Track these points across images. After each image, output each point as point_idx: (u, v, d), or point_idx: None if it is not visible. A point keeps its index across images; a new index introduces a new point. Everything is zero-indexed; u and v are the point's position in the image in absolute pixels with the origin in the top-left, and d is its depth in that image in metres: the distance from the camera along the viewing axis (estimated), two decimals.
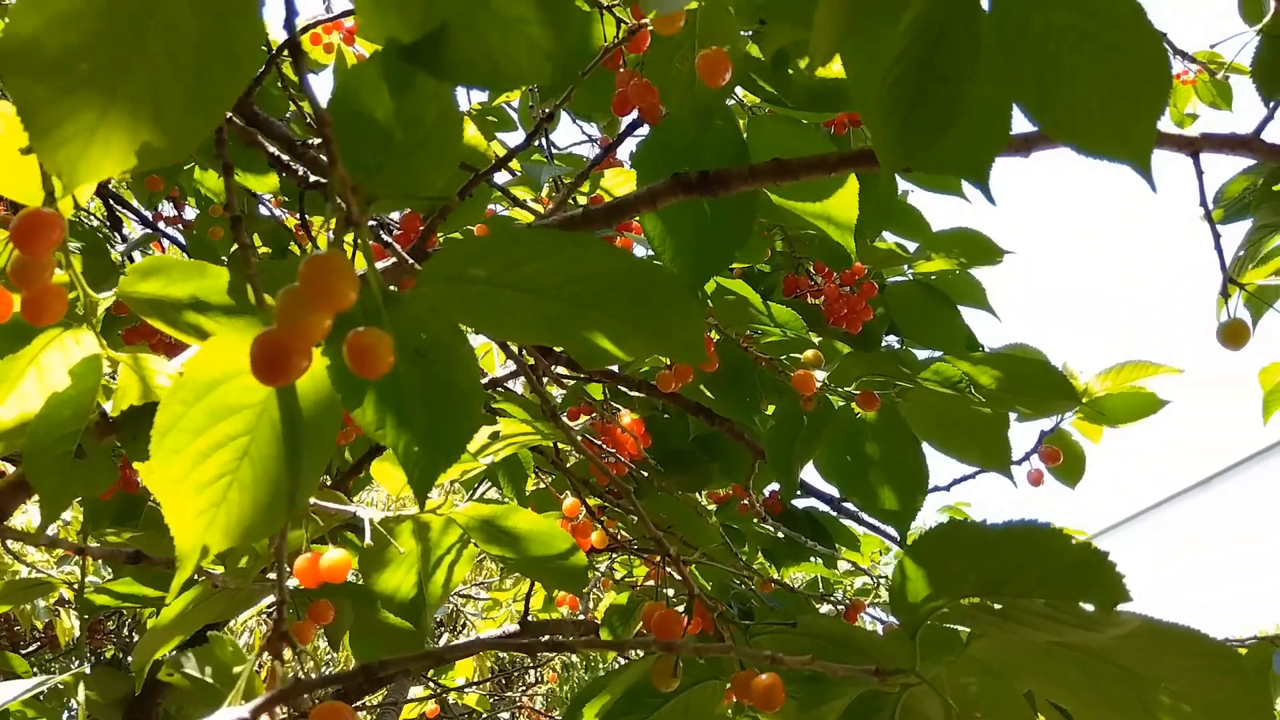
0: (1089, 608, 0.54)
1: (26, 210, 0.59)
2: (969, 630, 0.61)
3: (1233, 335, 0.86)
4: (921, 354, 1.96)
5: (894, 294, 1.84)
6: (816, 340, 1.29)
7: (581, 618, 2.54)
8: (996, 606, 0.58)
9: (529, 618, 2.24)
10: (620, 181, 1.33)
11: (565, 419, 1.65)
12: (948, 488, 1.50)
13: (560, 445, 1.60)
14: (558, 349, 1.42)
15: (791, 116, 1.07)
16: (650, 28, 0.82)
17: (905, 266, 1.82)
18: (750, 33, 0.88)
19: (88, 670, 1.19)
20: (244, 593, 1.09)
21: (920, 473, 1.23)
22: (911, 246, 1.81)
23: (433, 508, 0.98)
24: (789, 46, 0.91)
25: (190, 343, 0.76)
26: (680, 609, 0.89)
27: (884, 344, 1.93)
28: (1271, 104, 0.87)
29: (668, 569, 0.90)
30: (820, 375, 1.14)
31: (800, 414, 1.20)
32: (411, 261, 0.76)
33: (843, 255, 1.50)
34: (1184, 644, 0.57)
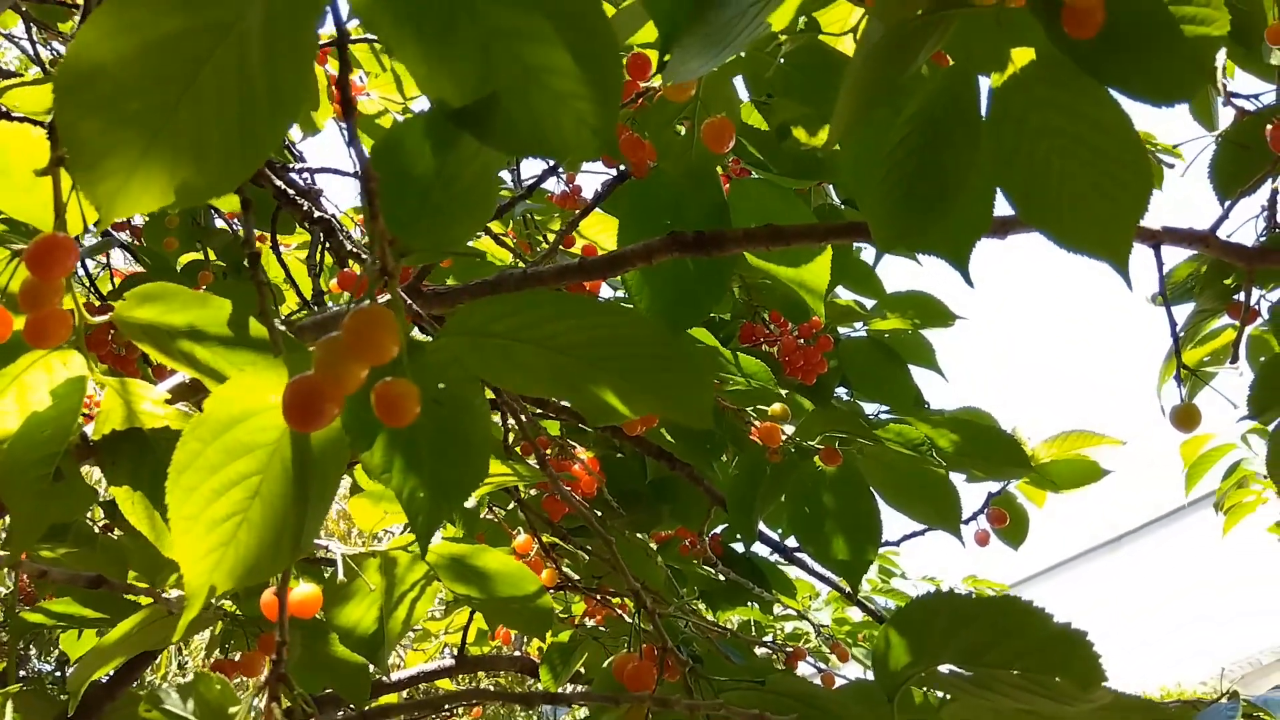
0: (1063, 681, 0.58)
1: (42, 235, 0.58)
2: (945, 696, 0.64)
3: (1185, 419, 0.92)
4: (869, 407, 2.02)
5: (848, 349, 1.89)
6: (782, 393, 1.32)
7: (518, 653, 2.52)
8: (973, 674, 0.61)
9: (464, 651, 2.21)
10: (599, 229, 1.35)
11: (518, 452, 1.65)
12: (897, 543, 1.54)
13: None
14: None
15: (773, 181, 1.10)
16: (660, 92, 0.85)
17: (860, 323, 1.88)
18: (754, 102, 0.92)
19: (15, 689, 1.15)
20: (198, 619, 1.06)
21: (874, 526, 1.27)
22: (869, 303, 1.87)
23: (402, 544, 0.98)
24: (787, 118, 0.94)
25: (180, 370, 0.75)
26: (642, 656, 0.90)
27: (834, 396, 1.98)
28: (1227, 203, 0.94)
29: (641, 621, 0.91)
30: (788, 429, 1.17)
31: (764, 465, 1.23)
32: (411, 312, 0.77)
33: (801, 308, 1.55)
34: (1148, 715, 0.60)
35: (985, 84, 0.67)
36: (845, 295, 1.90)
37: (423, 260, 0.64)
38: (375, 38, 1.02)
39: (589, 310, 0.56)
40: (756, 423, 1.22)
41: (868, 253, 1.98)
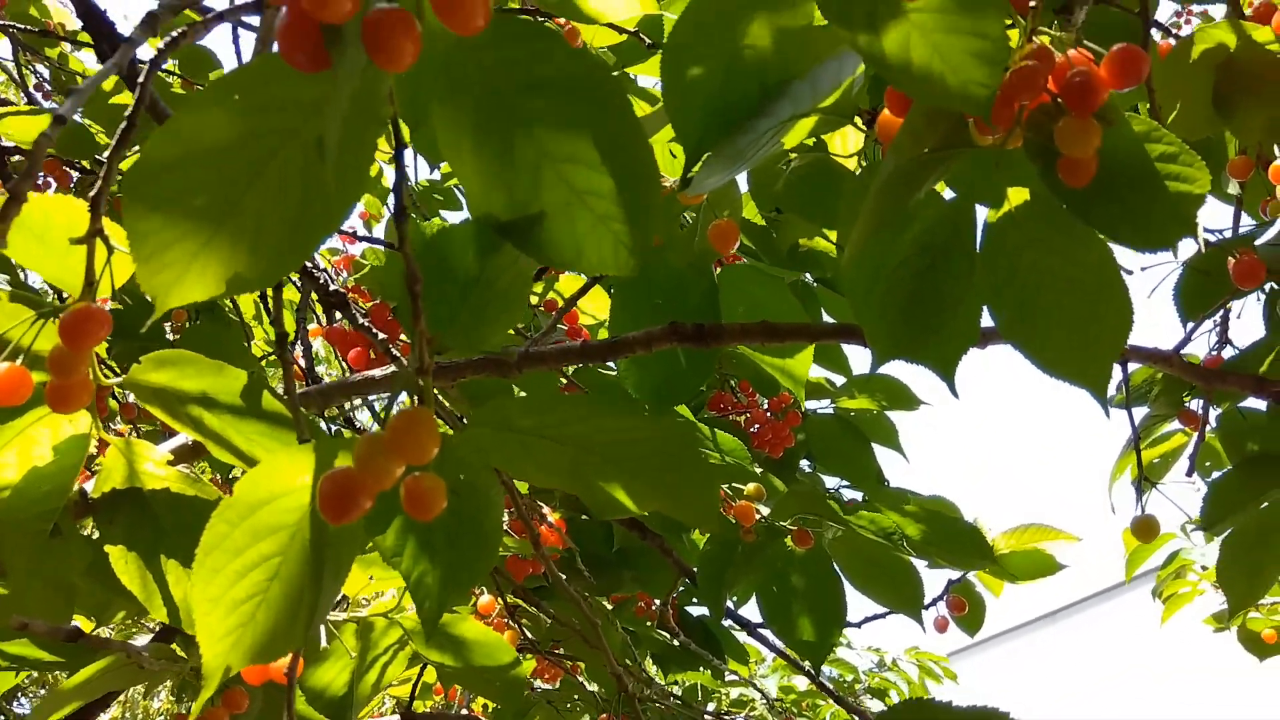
0: None
1: (77, 306, 0.60)
2: None
3: (1144, 531, 0.97)
4: (830, 481, 2.07)
5: (815, 424, 1.94)
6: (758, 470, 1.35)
7: (465, 711, 2.48)
8: None
9: (411, 708, 2.18)
10: (589, 301, 1.39)
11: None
12: (859, 624, 1.57)
13: None
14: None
15: (762, 269, 1.15)
16: (670, 190, 0.89)
17: (828, 400, 1.93)
18: (761, 213, 0.96)
19: None
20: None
21: (840, 608, 1.30)
22: (838, 380, 1.92)
23: (382, 610, 0.99)
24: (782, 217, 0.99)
25: (186, 434, 0.76)
26: None
27: (798, 469, 2.02)
28: (1190, 326, 1.00)
29: (621, 710, 0.93)
30: (763, 510, 1.20)
31: (736, 542, 1.26)
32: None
33: (770, 381, 1.59)
34: None
35: (981, 215, 0.72)
36: (816, 372, 1.95)
37: (455, 357, 0.67)
38: None
39: (610, 412, 0.58)
40: (732, 501, 1.25)
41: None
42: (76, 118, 2.01)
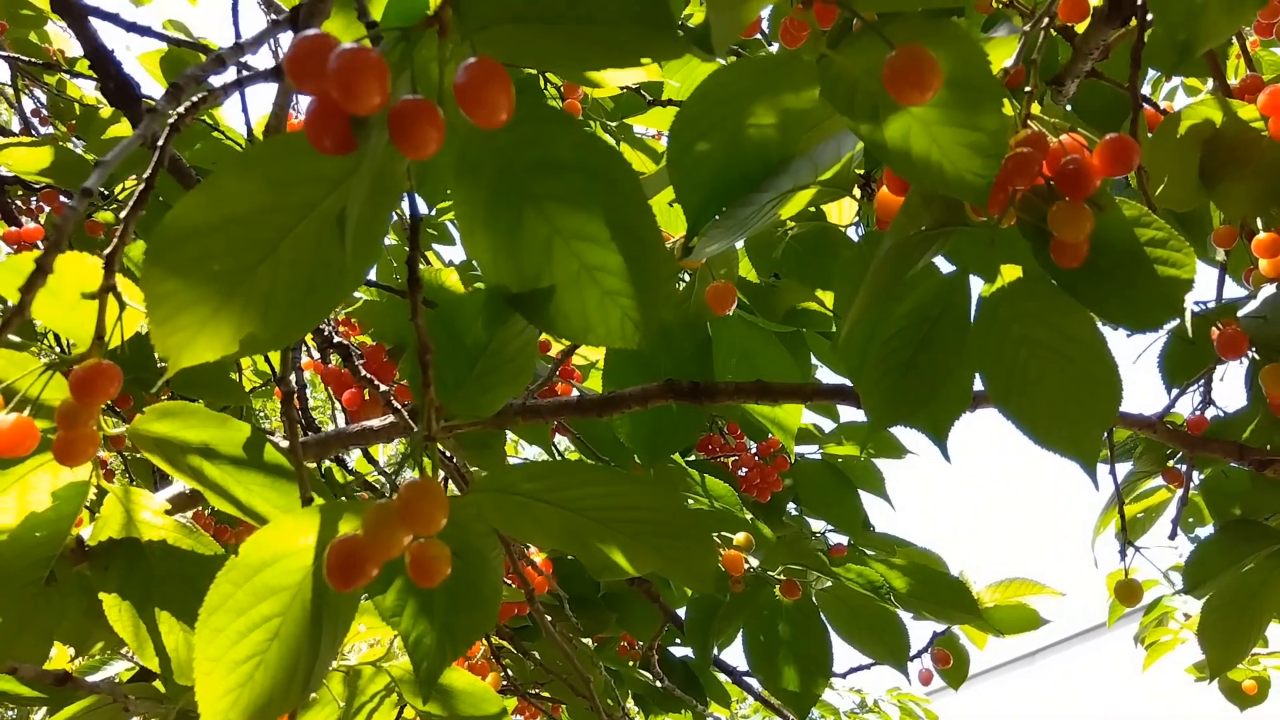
0: None
1: (90, 362, 0.60)
2: None
3: (1126, 594, 0.98)
4: (816, 525, 2.08)
5: (803, 469, 1.95)
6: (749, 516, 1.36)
7: None
8: None
9: None
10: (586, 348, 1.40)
11: None
12: (844, 675, 1.58)
13: None
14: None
15: (755, 322, 1.17)
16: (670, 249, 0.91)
17: (816, 445, 1.94)
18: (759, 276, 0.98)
19: None
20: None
21: (825, 660, 1.30)
22: (826, 426, 1.93)
23: (371, 659, 0.99)
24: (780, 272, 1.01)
25: (185, 482, 0.76)
26: None
27: (785, 512, 2.02)
28: (1174, 392, 1.02)
29: None
30: (752, 560, 1.21)
31: (724, 591, 1.26)
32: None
33: (760, 426, 1.60)
34: None
35: (975, 288, 0.74)
36: (805, 418, 1.96)
37: (461, 422, 0.68)
38: None
39: (611, 479, 0.59)
40: (721, 549, 1.26)
41: (824, 372, 2.05)
42: (76, 148, 2.02)
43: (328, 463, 1.55)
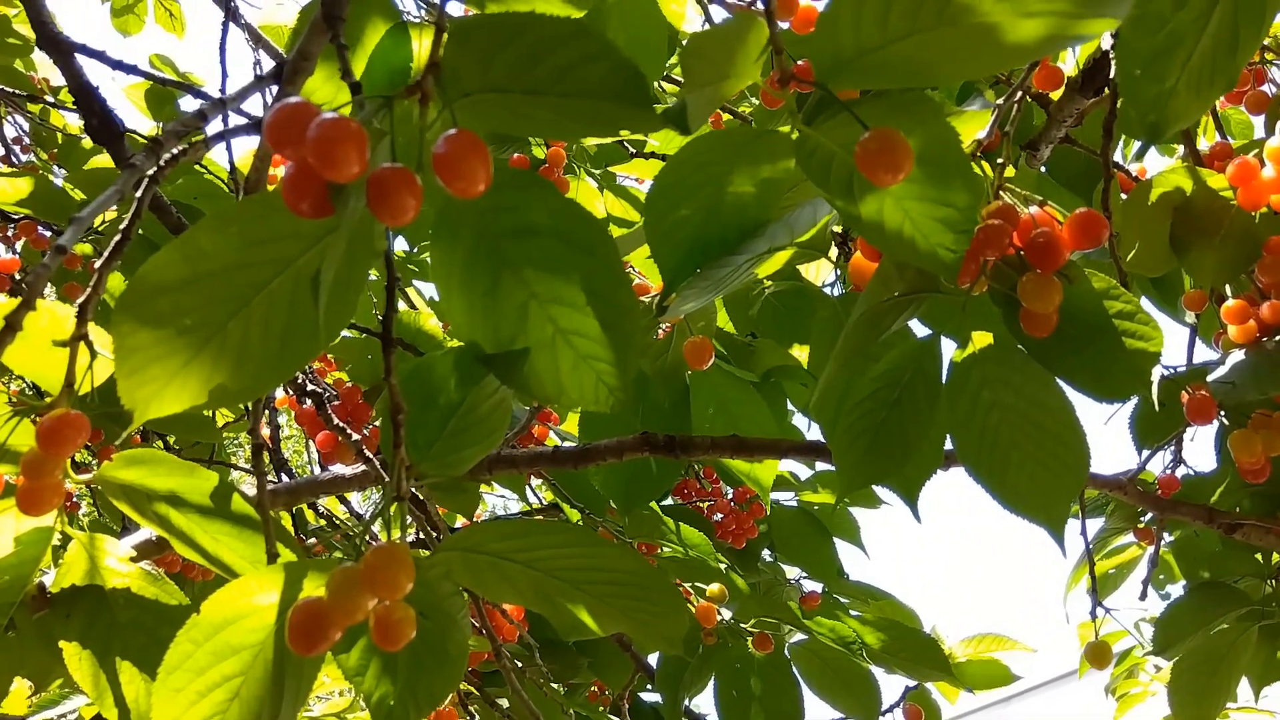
0: None
1: (57, 413, 0.60)
2: None
3: (1097, 656, 0.98)
4: (791, 571, 2.07)
5: (778, 516, 1.95)
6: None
7: None
8: None
9: None
10: None
11: None
12: None
13: None
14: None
15: (733, 372, 1.17)
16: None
17: (792, 492, 1.94)
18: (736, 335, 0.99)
19: None
20: None
21: (797, 714, 1.29)
22: (802, 473, 1.93)
23: (335, 710, 0.97)
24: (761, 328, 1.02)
25: (150, 529, 0.75)
26: None
27: (759, 558, 2.02)
28: (1144, 454, 1.03)
29: None
30: (725, 612, 1.20)
31: (696, 643, 1.26)
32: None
33: (735, 474, 1.60)
34: None
35: (947, 352, 0.74)
36: (781, 464, 1.96)
37: (431, 482, 0.68)
38: None
39: (582, 540, 0.59)
40: (694, 600, 1.25)
41: (800, 418, 2.06)
42: (57, 178, 2.01)
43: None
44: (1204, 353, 1.57)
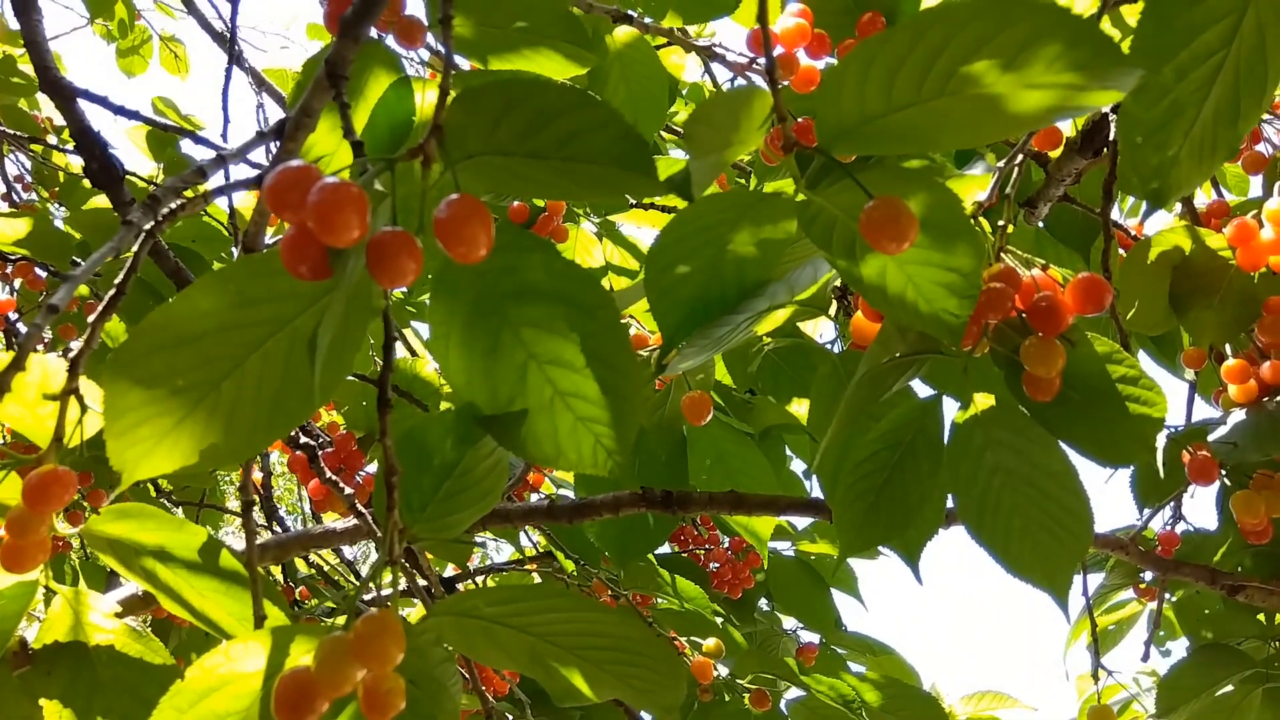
0: None
1: (46, 469, 0.59)
2: None
3: None
4: (788, 622, 2.04)
5: (775, 566, 1.92)
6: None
7: None
8: None
9: None
10: None
11: None
12: None
13: None
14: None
15: (730, 424, 1.16)
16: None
17: (789, 542, 1.92)
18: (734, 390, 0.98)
19: None
20: None
21: None
22: (800, 523, 1.92)
23: None
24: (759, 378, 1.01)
25: (136, 583, 0.74)
26: None
27: (756, 608, 1.99)
28: (1146, 514, 1.02)
29: None
30: (723, 670, 1.18)
31: (692, 700, 1.23)
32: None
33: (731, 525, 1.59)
34: None
35: (949, 414, 0.74)
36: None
37: (424, 544, 0.66)
38: None
39: (578, 605, 0.58)
40: (690, 655, 1.23)
41: (799, 464, 2.05)
42: (56, 216, 2.01)
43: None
44: (1203, 409, 1.57)
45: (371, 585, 0.87)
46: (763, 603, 2.04)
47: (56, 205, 2.42)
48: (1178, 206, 1.17)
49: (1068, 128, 0.93)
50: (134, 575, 0.73)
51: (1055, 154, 0.98)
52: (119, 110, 1.17)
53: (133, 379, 0.50)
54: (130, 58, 2.60)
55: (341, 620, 0.54)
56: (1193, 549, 1.08)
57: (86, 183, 2.23)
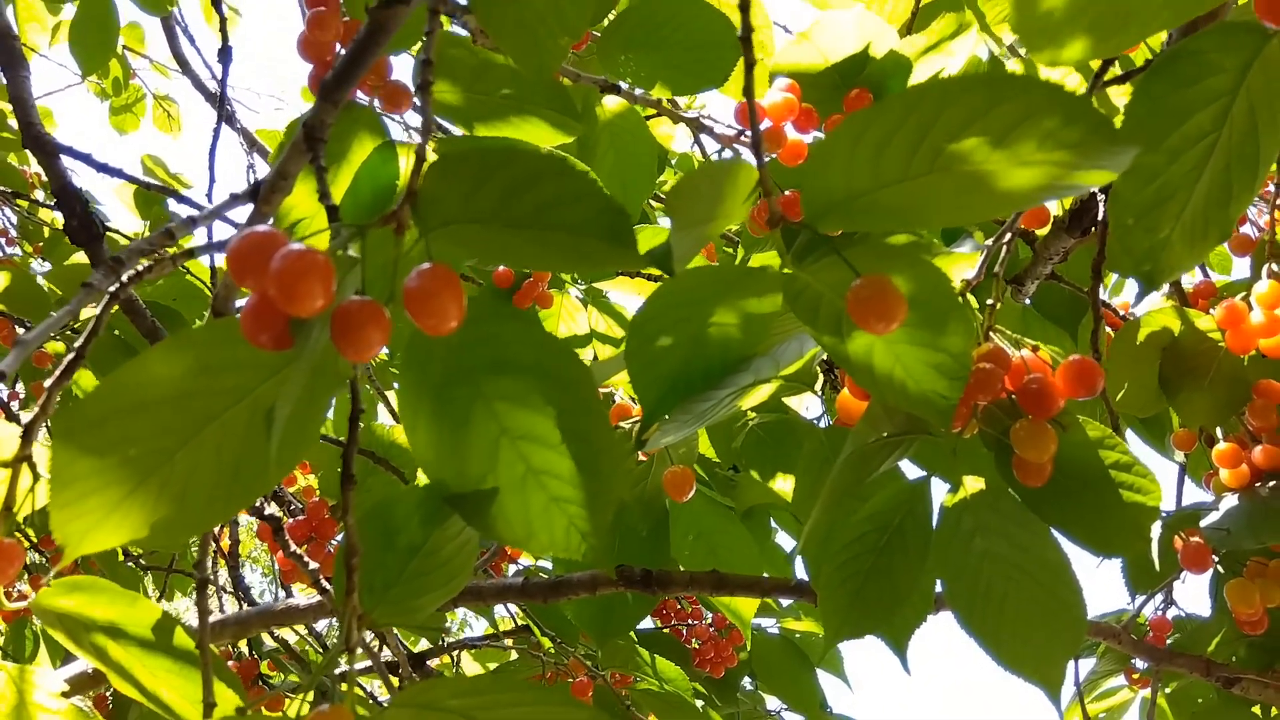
0: None
1: None
2: None
3: None
4: (772, 702, 1.98)
5: (759, 644, 1.87)
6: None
7: None
8: None
9: None
10: None
11: None
12: None
13: None
14: None
15: (716, 499, 1.13)
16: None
17: (774, 619, 1.88)
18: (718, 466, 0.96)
19: None
20: None
21: None
22: (784, 600, 1.87)
23: None
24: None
25: (87, 660, 0.70)
26: None
27: (739, 686, 1.94)
28: (1138, 601, 0.99)
29: None
30: None
31: None
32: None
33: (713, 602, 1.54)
34: None
35: (938, 497, 0.71)
36: None
37: (384, 626, 0.63)
38: None
39: (548, 699, 0.55)
40: None
41: (783, 537, 2.01)
42: (38, 272, 1.99)
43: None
44: (1193, 491, 1.55)
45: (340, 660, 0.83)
46: (746, 682, 1.98)
47: (40, 260, 2.40)
48: (1165, 286, 1.17)
49: (1055, 207, 0.93)
50: (84, 652, 0.69)
51: (1042, 232, 0.97)
52: (101, 168, 1.16)
53: (82, 447, 0.47)
54: (123, 115, 2.61)
55: (310, 698, 0.51)
56: (1186, 637, 1.05)
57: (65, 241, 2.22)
